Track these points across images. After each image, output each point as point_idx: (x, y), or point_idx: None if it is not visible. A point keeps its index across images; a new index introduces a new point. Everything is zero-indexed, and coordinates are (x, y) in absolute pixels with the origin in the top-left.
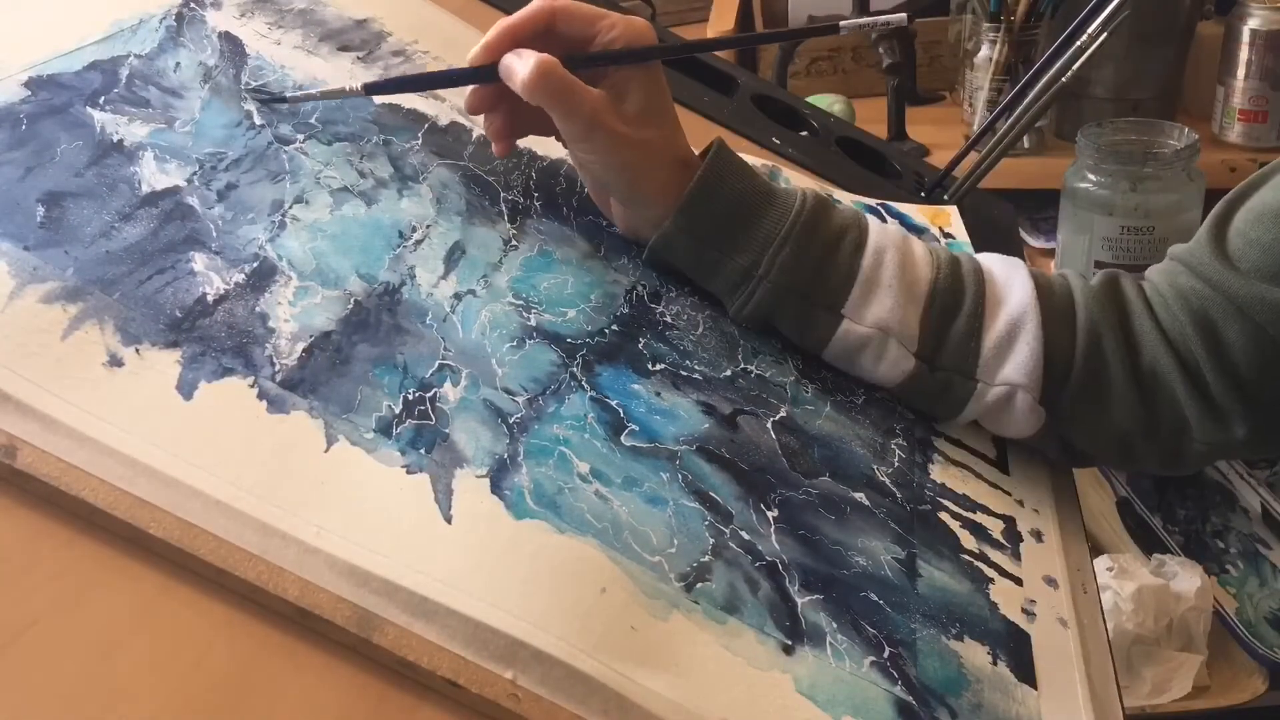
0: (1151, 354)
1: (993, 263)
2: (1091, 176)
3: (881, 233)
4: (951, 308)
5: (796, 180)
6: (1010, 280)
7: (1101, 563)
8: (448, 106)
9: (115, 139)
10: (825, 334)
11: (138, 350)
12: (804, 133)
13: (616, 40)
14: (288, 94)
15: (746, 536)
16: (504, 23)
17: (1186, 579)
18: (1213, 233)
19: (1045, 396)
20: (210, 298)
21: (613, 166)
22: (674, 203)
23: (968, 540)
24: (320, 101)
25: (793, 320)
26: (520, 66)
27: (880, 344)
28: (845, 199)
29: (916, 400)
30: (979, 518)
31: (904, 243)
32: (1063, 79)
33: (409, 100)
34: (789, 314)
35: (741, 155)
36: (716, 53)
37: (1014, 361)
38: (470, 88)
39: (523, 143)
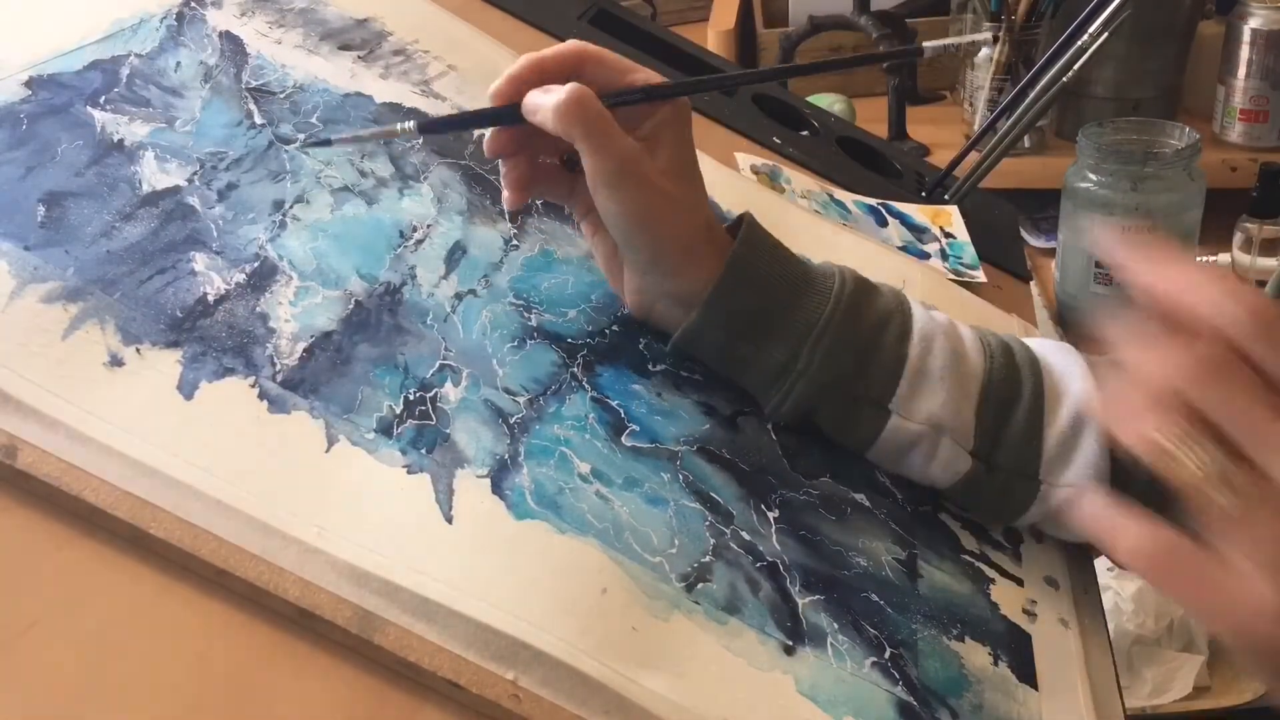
0: None
1: (1046, 350)
2: (1092, 176)
3: (928, 318)
4: (1009, 400)
5: (797, 180)
6: (1068, 369)
7: (1102, 563)
8: (449, 106)
9: (116, 138)
10: (871, 432)
11: (138, 350)
12: (804, 132)
13: None
14: (333, 137)
15: (747, 537)
16: (531, 56)
17: None
18: None
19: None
20: (211, 297)
21: (638, 220)
22: (696, 278)
23: (968, 541)
24: (322, 102)
25: (835, 417)
26: (553, 97)
27: (932, 442)
28: (846, 199)
29: (972, 503)
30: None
31: (952, 328)
32: (1063, 79)
33: (409, 99)
34: (831, 411)
35: (771, 233)
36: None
37: (1080, 460)
38: (490, 131)
39: None
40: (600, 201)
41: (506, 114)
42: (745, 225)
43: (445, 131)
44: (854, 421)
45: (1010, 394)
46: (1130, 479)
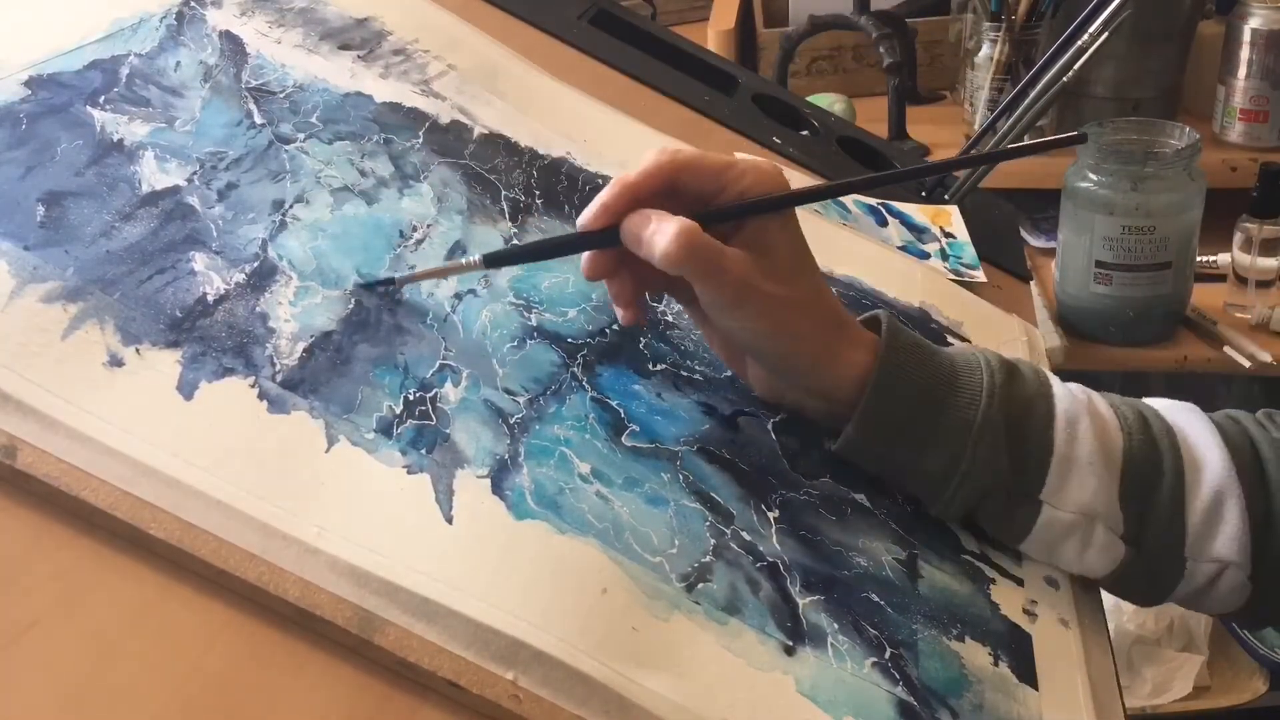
0: None
1: (1176, 416)
2: (1092, 176)
3: (1070, 399)
4: (1151, 480)
5: (797, 180)
6: (1201, 438)
7: None
8: (449, 105)
9: (115, 138)
10: (1025, 525)
11: (138, 350)
12: (805, 132)
13: (749, 190)
14: (396, 276)
15: (747, 537)
16: (623, 181)
17: None
18: None
19: (1254, 569)
20: (210, 297)
21: (765, 334)
22: (833, 374)
23: (969, 541)
24: (322, 101)
25: (993, 513)
26: (659, 237)
27: (1087, 530)
28: (847, 199)
29: (1122, 588)
30: None
31: (1092, 405)
32: (1064, 78)
33: (409, 99)
34: (990, 507)
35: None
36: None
37: (1224, 535)
38: (588, 254)
39: (523, 141)
40: (722, 325)
41: (603, 238)
42: (887, 330)
43: (515, 264)
44: (1009, 515)
45: (1151, 473)
46: (1264, 549)
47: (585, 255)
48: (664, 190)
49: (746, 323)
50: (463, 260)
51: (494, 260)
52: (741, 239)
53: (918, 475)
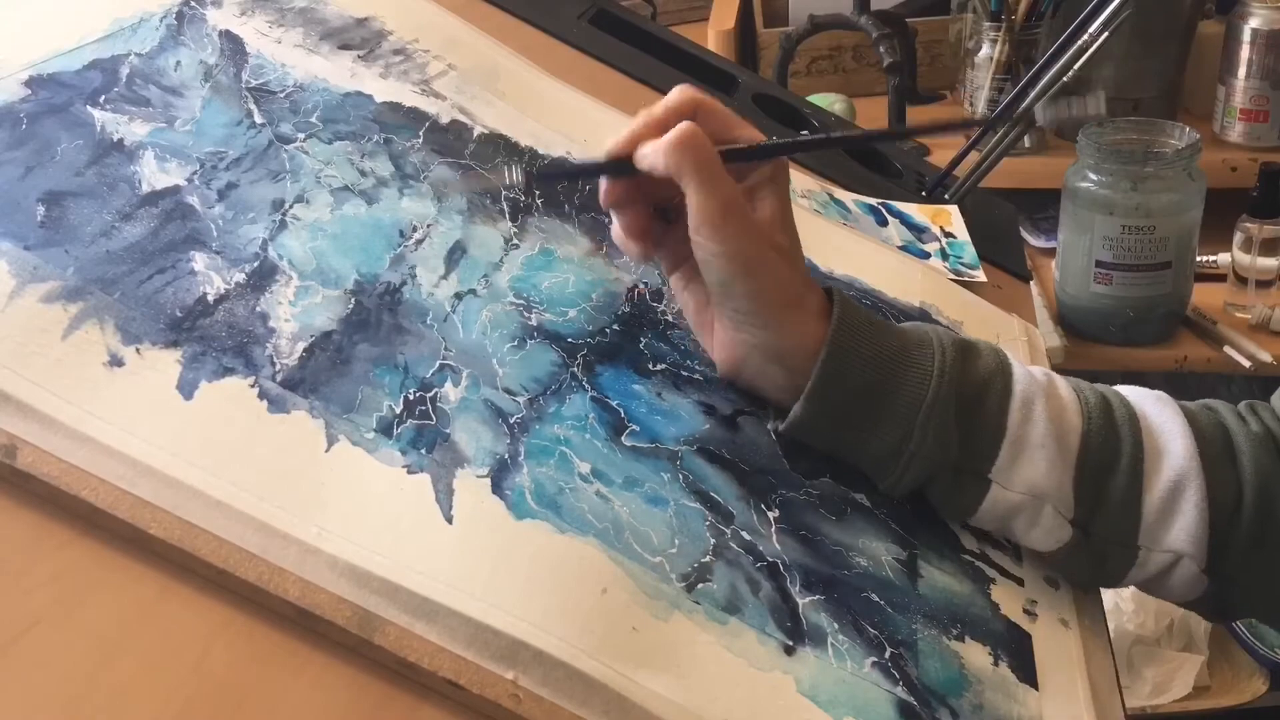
0: None
1: (1144, 403)
2: (1092, 176)
3: (1028, 379)
4: (1107, 466)
5: (797, 180)
6: (1167, 426)
7: None
8: (449, 105)
9: (115, 138)
10: (972, 502)
11: (138, 350)
12: (805, 132)
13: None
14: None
15: (747, 537)
16: (649, 112)
17: None
18: None
19: (1210, 562)
20: (211, 297)
21: (740, 264)
22: (794, 333)
23: (969, 540)
24: (322, 101)
25: (941, 489)
26: (663, 140)
27: (1034, 510)
28: (847, 199)
29: (1068, 569)
30: None
31: (1052, 388)
32: (1064, 78)
33: (409, 99)
34: (939, 484)
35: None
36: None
37: (1179, 526)
38: (605, 182)
39: (524, 141)
40: (702, 243)
41: (620, 166)
42: (838, 305)
43: (557, 183)
44: (957, 492)
45: (1109, 459)
46: (1226, 541)
47: (603, 186)
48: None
49: (726, 246)
50: (505, 175)
51: (541, 176)
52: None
53: (865, 454)
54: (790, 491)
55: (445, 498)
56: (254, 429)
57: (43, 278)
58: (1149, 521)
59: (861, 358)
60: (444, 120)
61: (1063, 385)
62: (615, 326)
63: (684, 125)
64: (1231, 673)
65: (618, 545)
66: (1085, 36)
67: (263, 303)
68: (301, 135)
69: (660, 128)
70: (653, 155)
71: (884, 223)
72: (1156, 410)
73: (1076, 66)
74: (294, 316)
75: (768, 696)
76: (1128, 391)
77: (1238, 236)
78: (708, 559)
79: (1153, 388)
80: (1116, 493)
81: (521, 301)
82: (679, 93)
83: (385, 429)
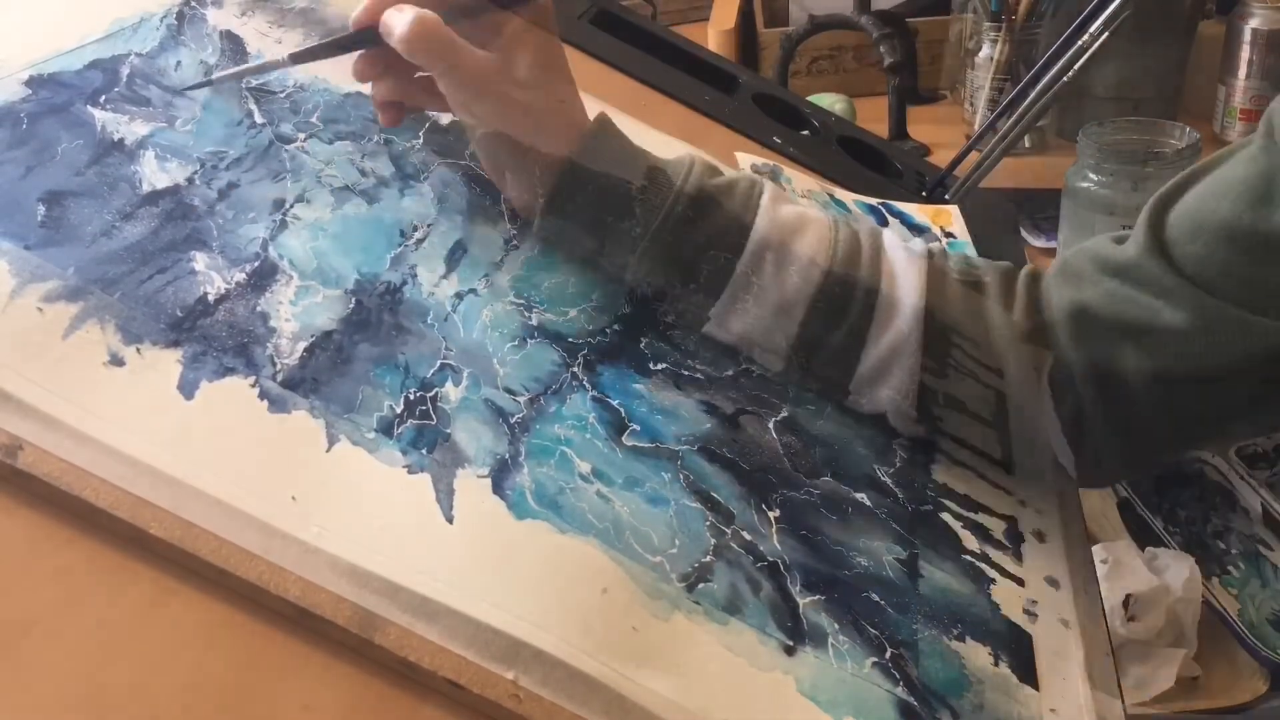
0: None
1: (896, 258)
2: (1093, 176)
3: (770, 225)
4: (832, 323)
5: (798, 180)
6: (908, 280)
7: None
8: None
9: (116, 138)
10: (696, 327)
11: (139, 350)
12: (805, 132)
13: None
14: (214, 76)
15: (748, 537)
16: None
17: (1176, 571)
18: (1152, 239)
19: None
20: (211, 297)
21: (498, 134)
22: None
23: (969, 541)
24: (323, 101)
25: (675, 312)
26: (399, 22)
27: (746, 348)
28: (847, 199)
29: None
30: (980, 518)
31: (789, 243)
32: (1064, 78)
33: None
34: (671, 309)
35: (621, 133)
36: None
37: (889, 385)
38: (358, 56)
39: None
40: (463, 120)
41: (365, 38)
42: (592, 127)
43: (314, 60)
44: (687, 321)
45: (835, 317)
46: (933, 401)
47: (356, 58)
48: None
49: (480, 121)
50: (269, 59)
51: (297, 57)
52: (496, 46)
53: (601, 268)
54: (791, 491)
55: (446, 497)
56: (255, 429)
57: (43, 277)
58: (861, 376)
59: (594, 184)
60: (444, 120)
61: (808, 241)
62: (616, 326)
63: (413, 18)
64: (1231, 673)
65: (618, 545)
66: (1085, 36)
67: (263, 302)
68: (302, 135)
69: None
70: (394, 41)
71: (884, 223)
72: (905, 265)
73: (1077, 66)
74: (294, 316)
75: (768, 696)
76: (890, 242)
77: None
78: (708, 559)
79: None
80: (833, 349)
81: (522, 301)
82: None
83: (386, 429)
